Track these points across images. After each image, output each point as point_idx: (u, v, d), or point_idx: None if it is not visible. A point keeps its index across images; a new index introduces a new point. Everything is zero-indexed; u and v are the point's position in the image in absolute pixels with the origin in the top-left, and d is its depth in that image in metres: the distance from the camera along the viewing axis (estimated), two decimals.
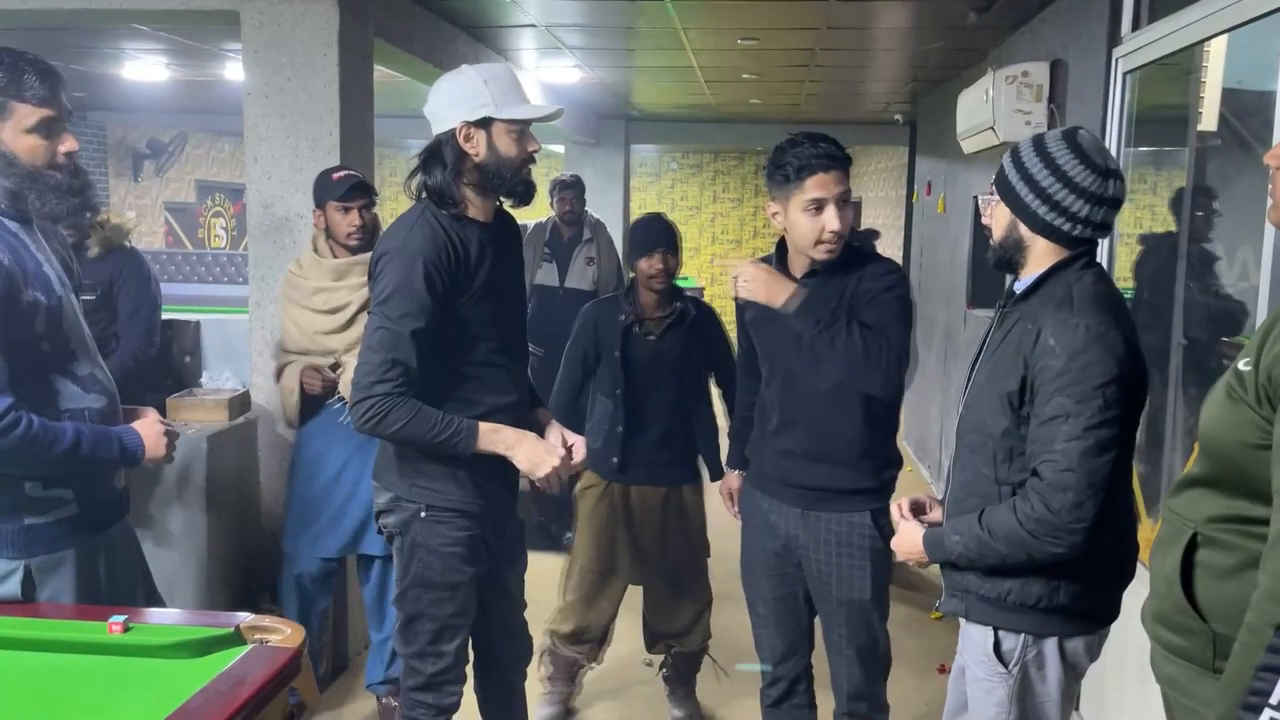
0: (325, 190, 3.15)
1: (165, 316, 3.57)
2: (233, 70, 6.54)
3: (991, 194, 2.02)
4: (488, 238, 2.27)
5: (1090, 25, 3.67)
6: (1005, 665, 1.99)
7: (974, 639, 2.03)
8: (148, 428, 2.11)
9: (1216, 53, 3.42)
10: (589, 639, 3.33)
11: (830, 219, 2.31)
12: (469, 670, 2.50)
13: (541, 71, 6.61)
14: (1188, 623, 1.52)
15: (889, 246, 10.13)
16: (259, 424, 3.63)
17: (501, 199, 2.29)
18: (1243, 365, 1.44)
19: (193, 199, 11.38)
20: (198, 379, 3.74)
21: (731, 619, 4.26)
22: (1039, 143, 1.94)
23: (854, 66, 6.31)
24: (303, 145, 3.54)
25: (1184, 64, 3.38)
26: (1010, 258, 1.99)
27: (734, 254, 14.14)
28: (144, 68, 6.77)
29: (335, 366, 3.12)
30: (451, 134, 2.18)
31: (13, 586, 1.94)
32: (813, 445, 2.45)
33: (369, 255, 3.01)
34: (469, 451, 2.20)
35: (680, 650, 3.37)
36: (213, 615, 1.99)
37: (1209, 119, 3.51)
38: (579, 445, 2.36)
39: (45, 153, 1.95)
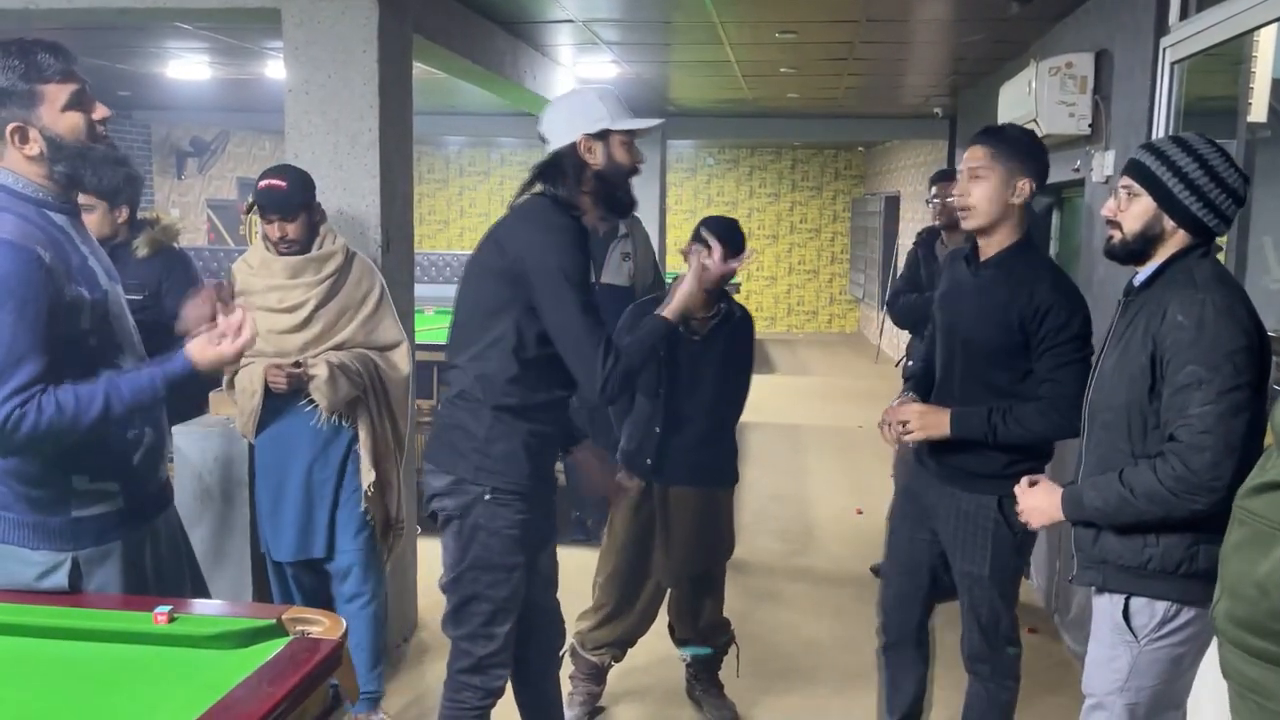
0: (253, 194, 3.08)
1: None
2: (274, 68, 6.61)
3: (1124, 189, 2.13)
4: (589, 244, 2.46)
5: (1136, 14, 3.60)
6: (1134, 634, 2.09)
7: (1103, 608, 2.16)
8: (193, 343, 2.00)
9: (1266, 42, 3.35)
10: (616, 643, 3.33)
11: None
12: None
13: (579, 67, 6.61)
14: None
15: None
16: None
17: (607, 210, 2.46)
18: None
19: (234, 196, 11.54)
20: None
21: (764, 616, 4.25)
22: (1183, 142, 2.09)
23: (893, 60, 6.25)
24: (343, 142, 3.56)
25: (1233, 54, 3.31)
26: (1141, 249, 2.12)
27: (769, 250, 14.08)
28: (187, 66, 6.85)
29: (297, 365, 3.00)
30: (573, 146, 2.37)
31: (60, 578, 1.97)
32: None
33: (326, 252, 3.07)
34: None
35: (714, 644, 3.39)
36: (255, 606, 2.02)
37: (1258, 110, 3.43)
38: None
39: (85, 126, 1.95)
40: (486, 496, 2.37)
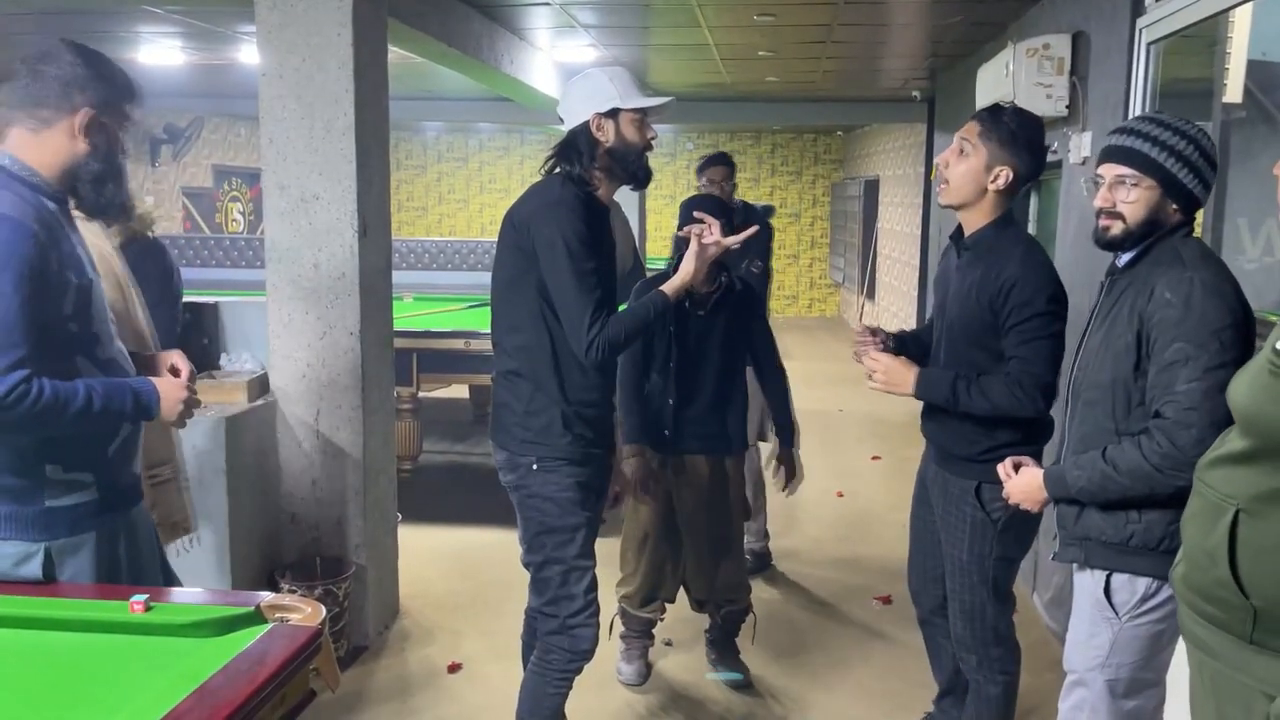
0: None
1: (184, 300, 3.57)
2: (248, 53, 6.53)
3: (1121, 179, 2.08)
4: (605, 218, 2.60)
5: None
6: (1115, 610, 2.10)
7: (1085, 585, 2.16)
8: (167, 387, 2.08)
9: (1241, 23, 3.36)
10: (661, 598, 3.47)
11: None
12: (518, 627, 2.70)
13: (556, 51, 6.58)
14: (1228, 597, 1.54)
15: (907, 224, 10.06)
16: (278, 405, 3.64)
17: (624, 183, 2.60)
18: None
19: (210, 184, 11.42)
20: (216, 362, 3.75)
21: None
22: (1163, 122, 2.06)
23: (872, 42, 6.24)
24: (318, 127, 3.53)
25: (1207, 35, 3.32)
26: (1143, 236, 2.09)
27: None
28: (160, 52, 6.77)
29: None
30: (586, 125, 2.51)
31: (33, 568, 1.95)
32: (940, 407, 2.64)
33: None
34: None
35: (730, 609, 3.49)
36: (233, 594, 2.00)
37: (1233, 91, 3.45)
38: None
39: (100, 149, 2.00)
40: (534, 467, 2.53)
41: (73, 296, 1.95)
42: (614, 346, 2.46)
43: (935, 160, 2.60)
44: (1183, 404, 1.93)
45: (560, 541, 2.56)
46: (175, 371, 2.20)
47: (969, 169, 2.49)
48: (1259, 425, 1.50)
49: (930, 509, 2.77)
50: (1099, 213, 2.14)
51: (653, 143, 2.59)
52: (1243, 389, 1.54)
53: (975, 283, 2.50)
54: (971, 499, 2.57)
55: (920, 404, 2.71)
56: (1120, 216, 2.09)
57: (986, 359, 2.52)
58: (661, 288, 2.56)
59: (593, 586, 2.60)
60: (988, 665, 2.67)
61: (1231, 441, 1.58)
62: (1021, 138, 2.47)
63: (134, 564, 2.12)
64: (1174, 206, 2.07)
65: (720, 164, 4.66)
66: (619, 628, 3.54)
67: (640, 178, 2.60)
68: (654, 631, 3.60)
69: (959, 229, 2.63)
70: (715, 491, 3.39)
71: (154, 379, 2.09)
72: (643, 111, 2.55)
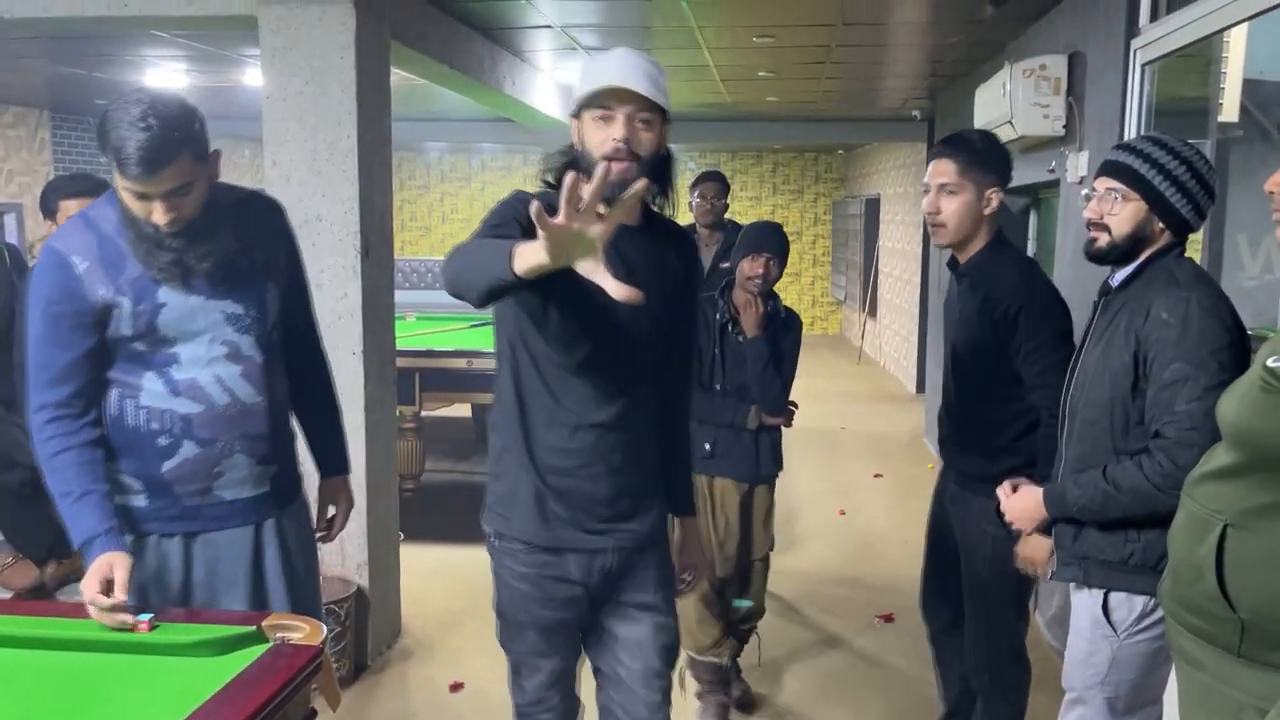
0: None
1: None
2: (252, 76, 6.58)
3: (1111, 192, 2.12)
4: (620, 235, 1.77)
5: (1108, 16, 3.64)
6: (1113, 628, 2.11)
7: (1083, 603, 2.17)
8: (102, 568, 1.89)
9: (1236, 43, 3.39)
10: (724, 637, 3.39)
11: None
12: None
13: (558, 72, 6.62)
14: (1216, 610, 1.56)
15: (908, 242, 10.09)
16: None
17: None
18: (1273, 362, 1.48)
19: None
20: None
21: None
22: (1161, 142, 2.10)
23: (871, 63, 6.28)
24: (321, 148, 3.56)
25: (1204, 54, 3.35)
26: (1129, 251, 2.13)
27: None
28: (165, 74, 6.82)
29: None
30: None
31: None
32: (960, 431, 2.68)
33: None
34: None
35: (738, 629, 3.47)
36: (235, 614, 2.01)
37: (1230, 110, 3.48)
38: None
39: (141, 211, 2.01)
40: (494, 541, 2.07)
41: (129, 319, 2.03)
42: (448, 278, 1.73)
43: (924, 209, 2.59)
44: (1184, 424, 1.94)
45: (509, 634, 2.11)
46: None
47: (963, 204, 2.52)
48: (1248, 440, 1.52)
49: (947, 528, 2.76)
50: (1088, 224, 2.19)
51: (620, 143, 1.82)
52: (1232, 405, 1.56)
53: (976, 307, 2.54)
54: (993, 518, 2.51)
55: (922, 422, 2.73)
56: (1106, 229, 2.14)
57: (991, 381, 2.56)
58: (521, 246, 1.55)
59: (550, 685, 2.11)
60: (1000, 685, 2.67)
61: (1219, 457, 1.59)
62: (993, 157, 2.55)
63: (200, 583, 2.14)
64: (1160, 225, 2.10)
65: (713, 180, 4.72)
66: (693, 684, 3.39)
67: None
68: (730, 682, 3.44)
69: (953, 257, 2.66)
70: (746, 521, 3.36)
71: (117, 557, 1.91)
72: (595, 105, 1.86)
